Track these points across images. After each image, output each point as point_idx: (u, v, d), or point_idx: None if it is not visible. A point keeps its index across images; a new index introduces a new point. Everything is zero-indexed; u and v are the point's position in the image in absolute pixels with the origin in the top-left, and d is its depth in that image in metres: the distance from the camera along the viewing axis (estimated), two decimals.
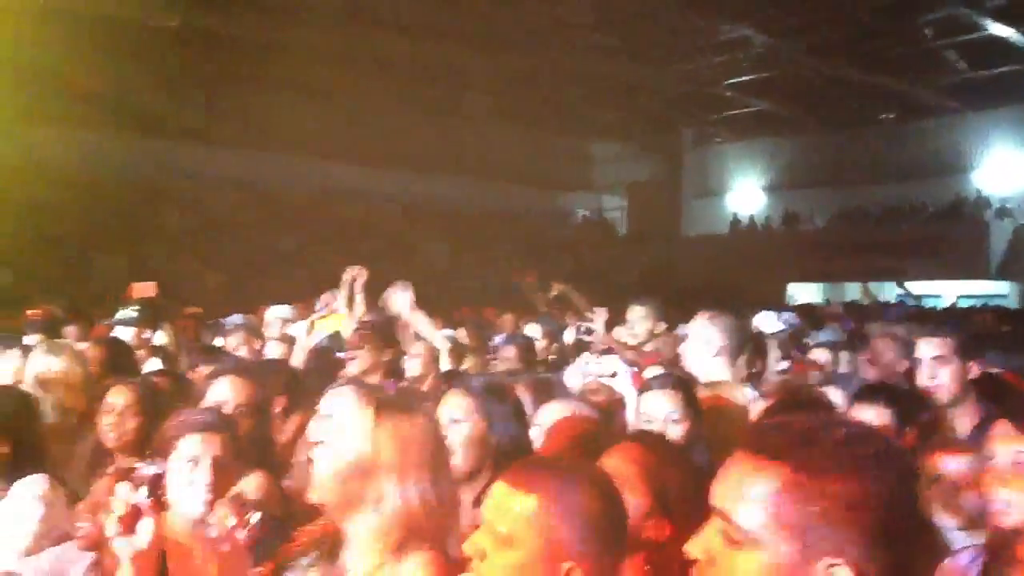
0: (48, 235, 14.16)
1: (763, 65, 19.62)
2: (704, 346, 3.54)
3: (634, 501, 1.93)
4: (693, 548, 1.25)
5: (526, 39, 17.14)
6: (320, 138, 18.16)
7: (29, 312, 6.48)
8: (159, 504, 2.08)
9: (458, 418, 2.55)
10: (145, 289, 6.92)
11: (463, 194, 20.83)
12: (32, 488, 2.85)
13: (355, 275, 5.18)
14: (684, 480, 2.09)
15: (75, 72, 14.02)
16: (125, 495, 2.02)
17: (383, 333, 4.38)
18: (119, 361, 4.21)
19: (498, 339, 5.67)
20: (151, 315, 5.19)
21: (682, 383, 3.07)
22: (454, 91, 19.23)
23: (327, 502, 1.92)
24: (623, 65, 19.03)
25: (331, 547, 1.94)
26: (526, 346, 5.13)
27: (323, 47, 16.28)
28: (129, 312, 5.22)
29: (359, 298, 5.13)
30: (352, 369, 4.18)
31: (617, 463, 2.06)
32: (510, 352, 4.96)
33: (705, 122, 24.31)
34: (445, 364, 4.69)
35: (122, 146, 16.29)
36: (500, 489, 1.61)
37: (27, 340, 4.48)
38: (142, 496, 2.02)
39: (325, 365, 4.57)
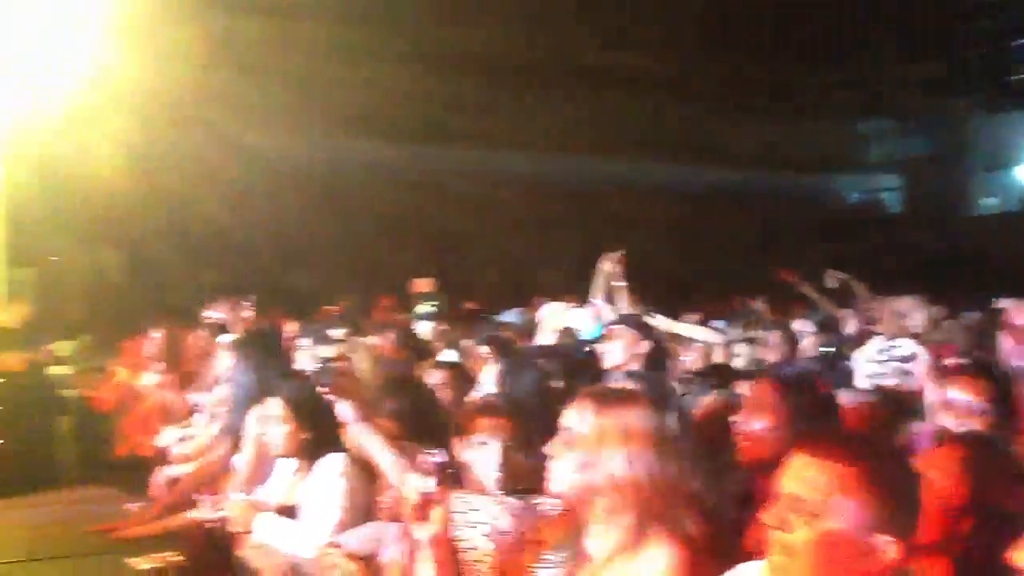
0: (342, 235, 15.57)
1: None
2: None
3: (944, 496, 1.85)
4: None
5: None
6: (590, 133, 18.39)
7: (329, 308, 7.15)
8: (446, 490, 2.25)
9: (760, 409, 2.52)
10: (425, 285, 7.41)
11: (727, 182, 20.30)
12: (334, 466, 3.17)
13: (612, 265, 5.24)
14: (997, 481, 1.97)
15: (355, 80, 15.18)
16: (416, 484, 2.22)
17: (638, 325, 4.39)
18: (418, 353, 4.58)
19: (761, 330, 5.55)
20: (445, 311, 5.55)
21: (990, 372, 2.85)
22: (707, 78, 18.80)
23: (566, 493, 2.00)
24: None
25: (576, 539, 2.01)
26: (789, 337, 5.01)
27: None
28: (427, 307, 5.62)
29: (615, 287, 5.18)
30: (609, 361, 4.23)
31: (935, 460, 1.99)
32: (775, 340, 4.86)
33: (994, 86, 22.04)
34: (718, 356, 4.66)
35: (406, 149, 17.38)
36: (804, 460, 1.58)
37: (331, 333, 4.97)
38: (430, 484, 2.21)
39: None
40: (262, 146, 15.21)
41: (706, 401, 3.24)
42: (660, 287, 5.52)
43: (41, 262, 10.57)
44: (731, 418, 2.59)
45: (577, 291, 6.64)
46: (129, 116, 11.87)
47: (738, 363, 4.82)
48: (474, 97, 17.35)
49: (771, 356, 4.84)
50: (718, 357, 5.03)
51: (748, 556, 1.83)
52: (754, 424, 2.48)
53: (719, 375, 3.69)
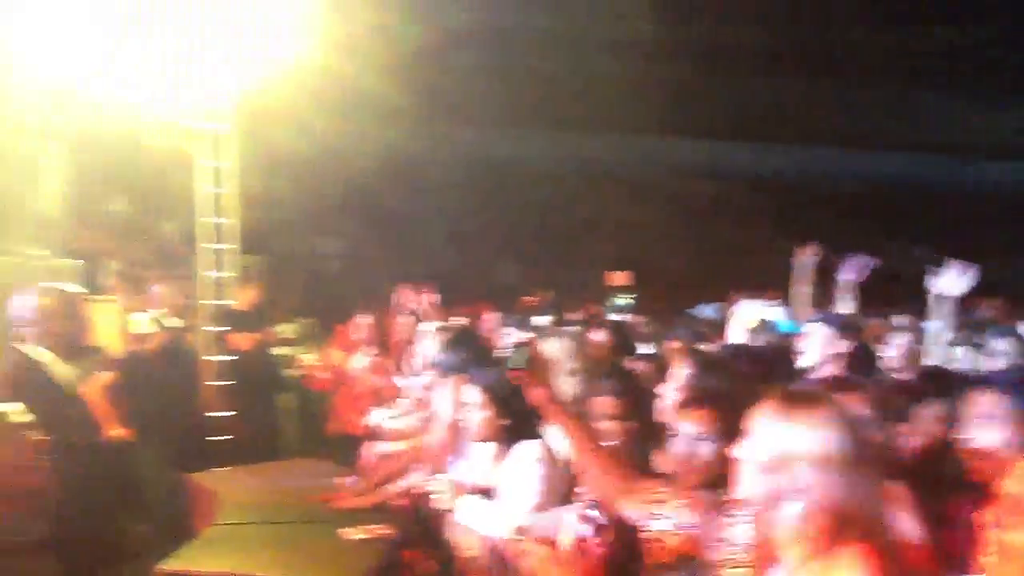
0: (540, 227, 15.86)
1: None
2: None
3: None
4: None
5: None
6: (788, 121, 17.72)
7: (528, 299, 7.31)
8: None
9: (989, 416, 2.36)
10: (621, 278, 7.41)
11: (936, 172, 18.89)
12: (530, 452, 3.27)
13: (810, 259, 5.05)
14: None
15: (551, 71, 15.33)
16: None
17: (839, 323, 4.18)
18: (624, 344, 4.63)
19: (988, 334, 5.15)
20: (639, 304, 5.56)
21: None
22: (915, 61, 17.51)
23: (751, 498, 1.95)
24: None
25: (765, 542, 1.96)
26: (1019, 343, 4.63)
27: None
28: (623, 300, 5.65)
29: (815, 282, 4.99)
30: (805, 360, 4.07)
31: None
32: (1002, 346, 4.50)
33: None
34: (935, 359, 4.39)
35: (603, 141, 17.43)
36: None
37: (533, 322, 5.10)
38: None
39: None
40: (464, 138, 15.70)
41: (924, 412, 3.05)
42: (865, 282, 5.25)
43: (269, 250, 11.42)
44: (952, 431, 2.44)
45: (776, 286, 6.44)
46: (343, 110, 12.57)
47: (955, 368, 4.50)
48: (670, 86, 17.11)
49: (998, 363, 4.48)
50: (934, 359, 4.74)
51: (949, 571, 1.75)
52: (983, 438, 2.32)
53: (938, 381, 3.46)
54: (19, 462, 2.27)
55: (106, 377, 5.86)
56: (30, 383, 3.20)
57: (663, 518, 2.35)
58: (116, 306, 8.02)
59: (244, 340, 7.32)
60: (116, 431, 5.43)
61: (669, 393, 3.29)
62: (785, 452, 1.86)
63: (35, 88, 10.63)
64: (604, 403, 3.02)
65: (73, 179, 12.79)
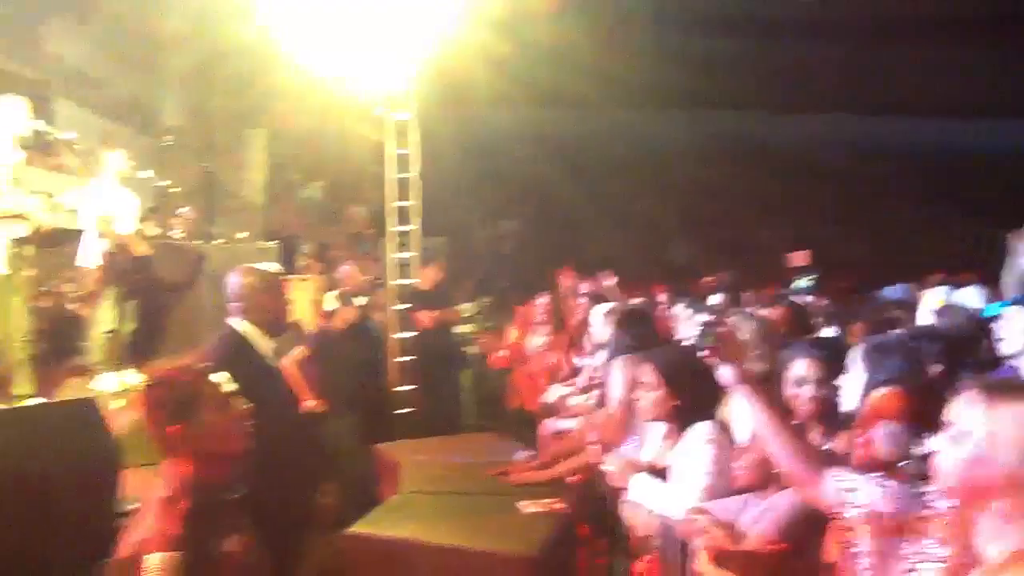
0: (715, 210, 15.50)
1: None
2: None
3: None
4: None
5: None
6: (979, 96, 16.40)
7: (707, 279, 7.18)
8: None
9: None
10: (801, 258, 7.15)
11: None
12: (703, 433, 3.24)
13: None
14: None
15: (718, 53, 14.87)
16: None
17: None
18: (802, 325, 4.49)
19: None
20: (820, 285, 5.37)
21: None
22: None
23: (953, 489, 1.84)
24: None
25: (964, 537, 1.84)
26: None
27: None
28: (805, 282, 5.48)
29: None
30: (1005, 348, 3.78)
31: None
32: None
33: None
34: None
35: (779, 121, 16.83)
36: None
37: (711, 301, 5.02)
38: None
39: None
40: (641, 120, 15.54)
41: None
42: None
43: (451, 232, 11.77)
44: None
45: (975, 267, 6.03)
46: (517, 95, 12.74)
47: None
48: (847, 63, 16.22)
49: None
50: None
51: None
52: None
53: None
54: (229, 428, 2.48)
55: (300, 352, 6.27)
56: (237, 355, 3.47)
57: (855, 506, 2.27)
58: (309, 285, 8.54)
59: (427, 318, 7.60)
60: (309, 402, 5.81)
61: (852, 377, 3.17)
62: (988, 445, 1.76)
63: (240, 79, 11.45)
64: (800, 366, 2.97)
65: (273, 166, 13.70)
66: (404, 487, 4.44)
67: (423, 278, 7.79)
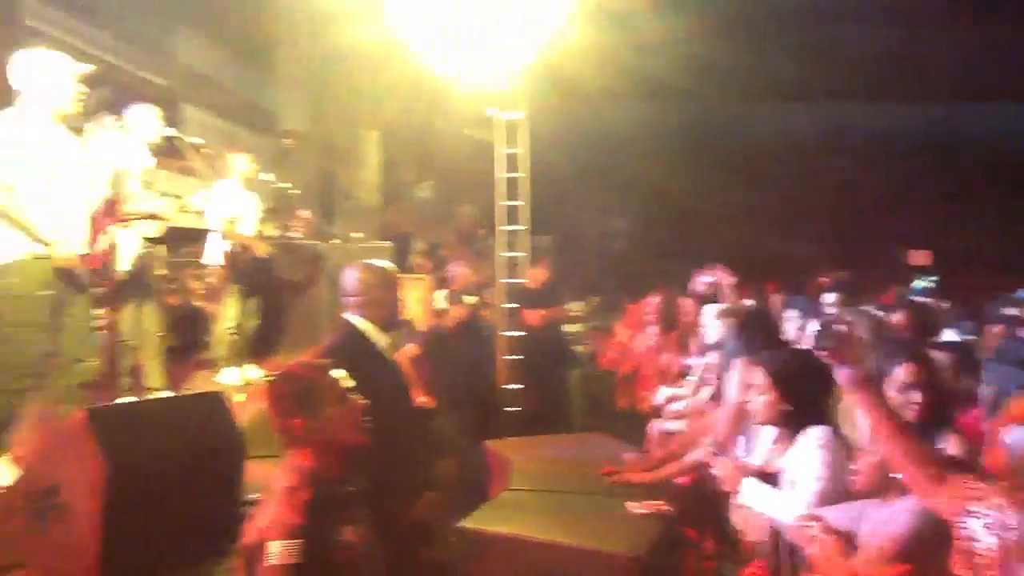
0: (833, 206, 15.03)
1: None
2: None
3: None
4: None
5: None
6: None
7: (822, 278, 6.99)
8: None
9: None
10: (922, 258, 6.88)
11: None
12: (816, 438, 3.16)
13: None
14: None
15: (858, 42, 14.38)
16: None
17: None
18: (925, 327, 4.33)
19: None
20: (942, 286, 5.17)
21: None
22: None
23: None
24: None
25: None
26: None
27: None
28: (925, 282, 5.28)
29: None
30: None
31: None
32: None
33: None
34: None
35: (905, 113, 16.18)
36: None
37: (823, 302, 4.89)
38: None
39: None
40: (752, 113, 15.20)
41: None
42: None
43: (559, 231, 11.80)
44: None
45: None
46: (625, 91, 12.64)
47: None
48: (974, 51, 15.40)
49: None
50: None
51: None
52: None
53: None
54: (347, 421, 2.57)
55: (412, 349, 6.41)
56: (355, 350, 3.57)
57: (979, 516, 2.18)
58: (421, 283, 8.72)
59: (535, 317, 7.65)
60: (421, 398, 5.93)
61: (988, 383, 3.06)
62: None
63: (356, 82, 11.77)
64: (906, 372, 2.89)
65: (386, 167, 14.02)
66: (513, 484, 4.49)
67: (531, 277, 7.84)
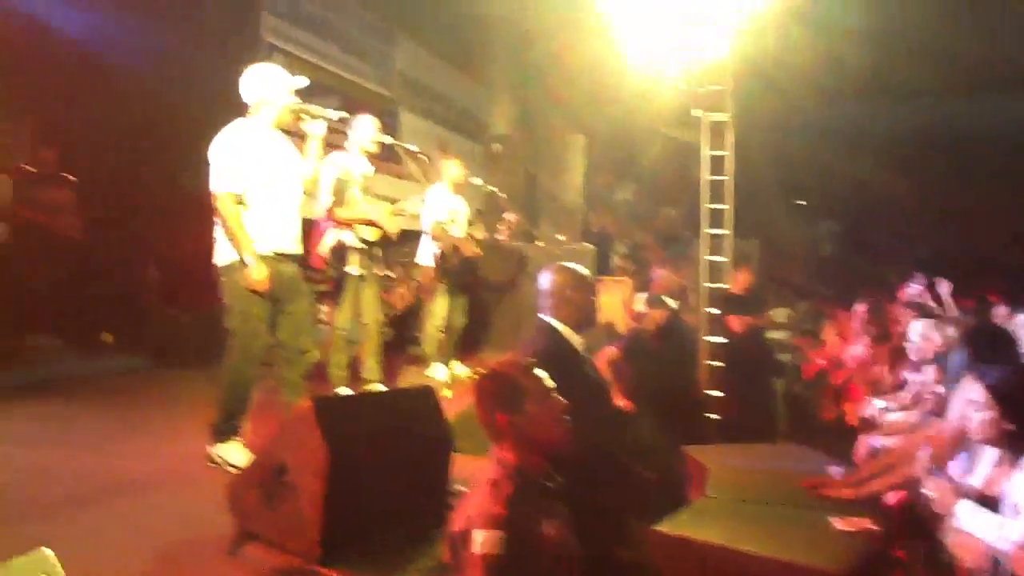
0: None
1: None
2: None
3: None
4: None
5: None
6: None
7: None
8: None
9: None
10: None
11: None
12: None
13: None
14: None
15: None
16: None
17: None
18: None
19: None
20: None
21: None
22: None
23: None
24: None
25: None
26: None
27: None
28: None
29: None
30: None
31: None
32: None
33: None
34: None
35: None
36: None
37: None
38: None
39: None
40: (973, 108, 14.10)
41: None
42: None
43: (765, 235, 11.49)
44: None
45: None
46: (831, 92, 12.10)
47: None
48: None
49: None
50: None
51: None
52: None
53: None
54: (549, 420, 2.67)
55: (612, 351, 6.47)
56: (556, 350, 3.69)
57: None
58: (623, 286, 8.76)
59: (739, 323, 7.51)
60: (620, 401, 5.98)
61: None
62: None
63: (562, 87, 11.99)
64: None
65: (588, 170, 14.18)
66: (712, 491, 4.44)
67: (735, 282, 7.70)
